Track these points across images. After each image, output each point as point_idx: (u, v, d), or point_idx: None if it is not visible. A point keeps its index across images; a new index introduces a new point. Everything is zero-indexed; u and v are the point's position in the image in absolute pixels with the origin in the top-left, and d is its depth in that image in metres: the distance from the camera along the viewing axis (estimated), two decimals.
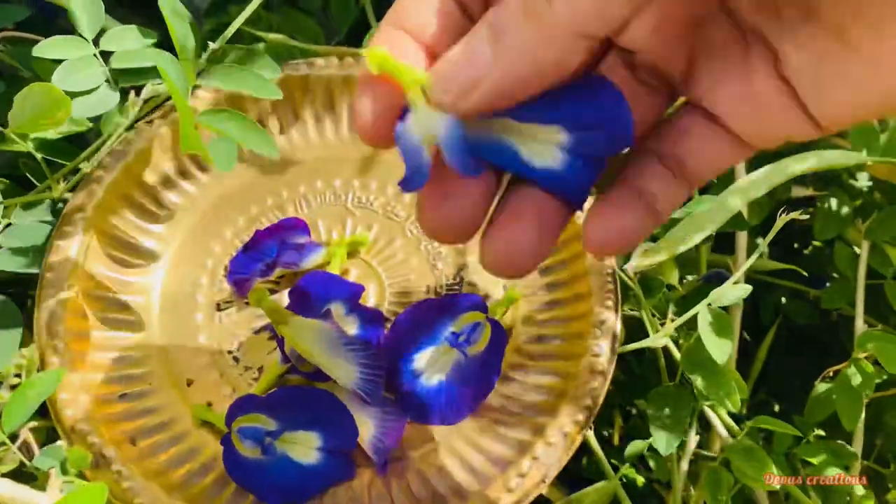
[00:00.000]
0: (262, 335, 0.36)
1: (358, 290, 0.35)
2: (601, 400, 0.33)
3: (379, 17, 0.48)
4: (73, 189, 0.37)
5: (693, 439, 0.40)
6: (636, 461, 0.43)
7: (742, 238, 0.47)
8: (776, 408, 0.63)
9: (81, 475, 0.30)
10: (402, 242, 0.38)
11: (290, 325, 0.33)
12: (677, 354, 0.38)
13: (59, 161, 0.38)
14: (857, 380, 0.43)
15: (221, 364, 0.35)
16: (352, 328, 0.34)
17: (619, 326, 0.35)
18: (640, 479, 0.48)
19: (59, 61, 0.37)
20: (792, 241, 0.63)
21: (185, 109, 0.29)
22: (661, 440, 0.36)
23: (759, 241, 0.54)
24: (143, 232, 0.37)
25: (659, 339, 0.36)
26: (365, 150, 0.41)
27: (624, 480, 0.42)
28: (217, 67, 0.34)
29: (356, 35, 0.49)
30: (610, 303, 0.35)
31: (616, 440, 0.48)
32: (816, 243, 0.62)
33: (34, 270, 0.35)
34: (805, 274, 0.51)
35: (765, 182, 0.38)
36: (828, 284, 0.54)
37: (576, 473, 0.47)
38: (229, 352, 0.35)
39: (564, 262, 0.37)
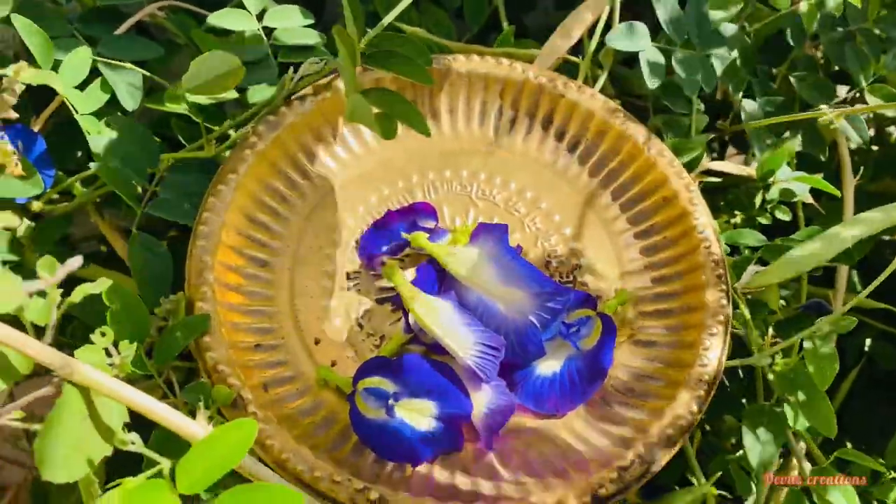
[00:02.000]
0: (384, 305, 0.38)
1: None
2: (705, 408, 0.35)
3: (510, 18, 0.50)
4: (225, 151, 0.41)
5: (777, 462, 0.41)
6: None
7: (843, 272, 0.48)
8: (849, 447, 0.63)
9: (220, 413, 0.33)
10: (520, 237, 0.40)
11: (417, 301, 0.35)
12: (772, 376, 0.39)
13: (208, 125, 0.41)
14: None
15: (347, 328, 0.38)
16: None
17: (728, 342, 0.36)
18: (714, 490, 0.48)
19: (225, 32, 0.41)
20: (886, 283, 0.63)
21: (354, 82, 0.32)
22: (755, 455, 0.37)
23: (856, 277, 0.54)
24: (284, 198, 0.40)
25: (763, 358, 0.37)
26: (491, 146, 0.43)
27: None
28: (378, 52, 0.37)
29: (486, 34, 0.52)
30: (721, 317, 0.36)
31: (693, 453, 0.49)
32: None
33: (187, 222, 0.38)
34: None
35: (884, 219, 0.39)
36: None
37: (651, 483, 0.48)
38: (355, 317, 0.38)
39: (680, 273, 0.39)
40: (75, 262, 0.25)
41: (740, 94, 0.47)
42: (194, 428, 0.30)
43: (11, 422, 0.30)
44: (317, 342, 0.37)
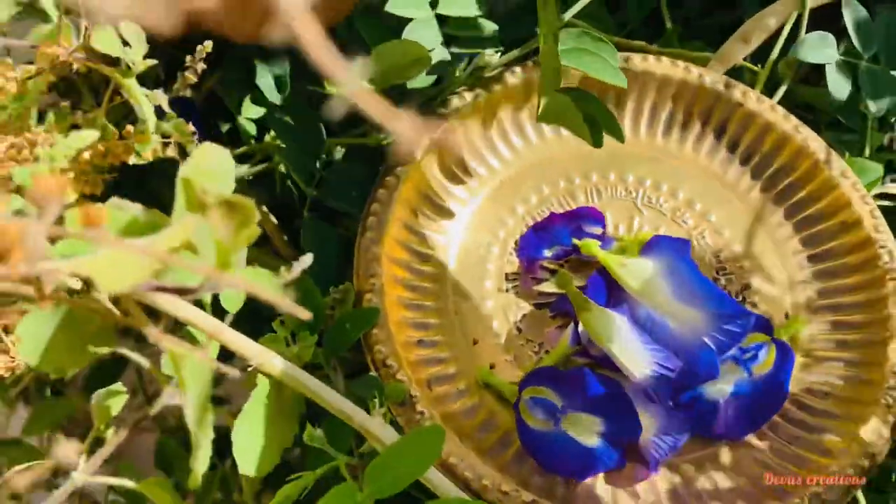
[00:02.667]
0: (543, 311, 0.37)
1: None
2: (887, 450, 0.33)
3: (673, 17, 0.48)
4: (387, 140, 0.40)
5: None
6: None
7: None
8: None
9: (388, 409, 0.33)
10: None
11: (590, 312, 0.34)
12: None
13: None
14: None
15: (505, 331, 0.37)
16: None
17: None
18: None
19: (395, 19, 0.40)
20: None
21: (556, 79, 0.30)
22: None
23: None
24: (448, 193, 0.39)
25: None
26: (659, 152, 0.41)
27: None
28: (575, 50, 0.35)
29: (647, 30, 0.49)
30: None
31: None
32: None
33: (355, 210, 0.38)
34: None
35: None
36: None
37: None
38: (513, 321, 0.37)
39: (860, 304, 0.37)
40: (307, 259, 0.24)
41: None
42: (374, 425, 0.30)
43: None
44: (475, 342, 0.37)
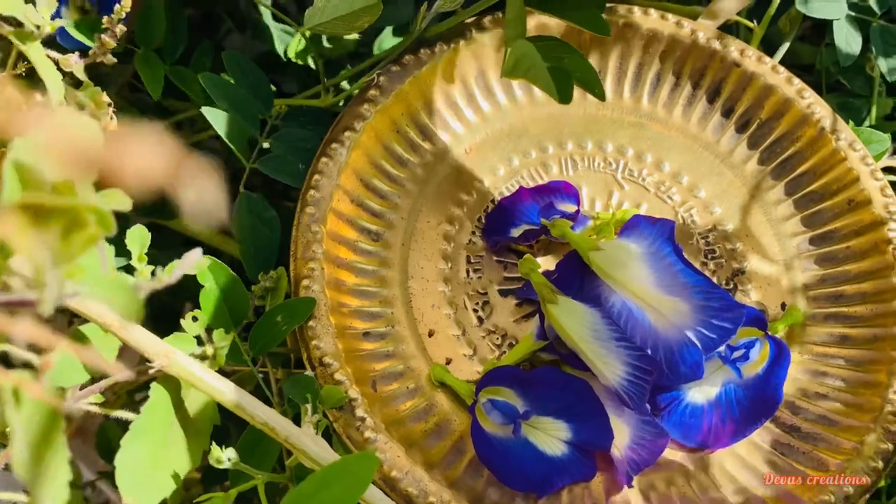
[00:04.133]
0: (508, 298, 0.33)
1: None
2: (892, 464, 0.29)
3: None
4: (343, 102, 0.35)
5: None
6: None
7: None
8: None
9: (324, 413, 0.29)
10: None
11: (557, 305, 0.30)
12: None
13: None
14: None
15: (464, 321, 0.33)
16: None
17: None
18: None
19: None
20: None
21: (522, 25, 0.26)
22: None
23: None
24: (403, 162, 0.35)
25: None
26: (643, 118, 0.36)
27: None
28: None
29: None
30: None
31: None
32: None
33: (298, 185, 0.33)
34: None
35: None
36: None
37: None
38: (474, 310, 0.33)
39: (864, 294, 0.32)
40: (194, 255, 0.20)
41: None
42: (303, 439, 0.26)
43: (90, 406, 0.26)
44: (430, 334, 0.32)
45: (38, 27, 0.28)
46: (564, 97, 0.28)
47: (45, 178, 0.16)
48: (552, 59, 0.28)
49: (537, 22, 0.35)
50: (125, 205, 0.16)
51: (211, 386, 0.25)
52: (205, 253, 0.38)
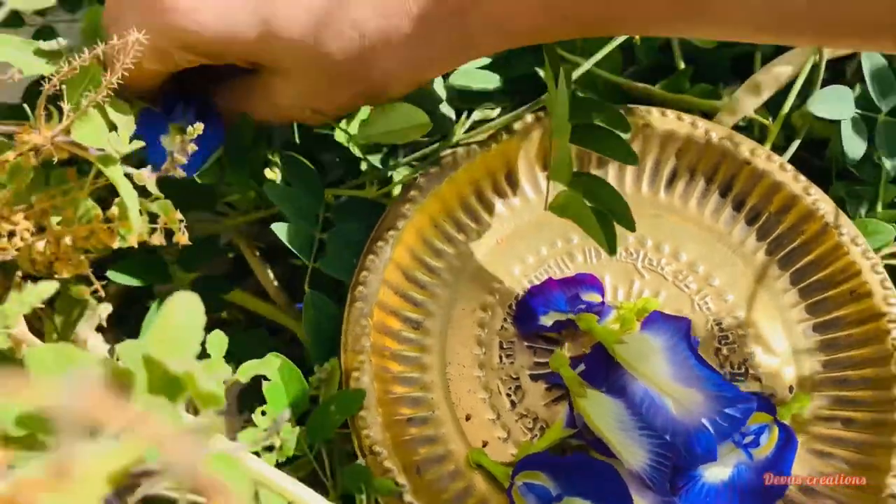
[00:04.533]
0: (539, 383, 0.36)
1: None
2: None
3: (683, 49, 0.46)
4: (386, 195, 0.38)
5: None
6: None
7: None
8: None
9: (376, 501, 0.32)
10: (688, 316, 0.37)
11: (587, 398, 0.33)
12: None
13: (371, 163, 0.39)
14: None
15: (498, 405, 0.36)
16: None
17: None
18: None
19: None
20: None
21: (567, 173, 0.29)
22: None
23: None
24: (440, 254, 0.38)
25: None
26: (661, 210, 0.39)
27: None
28: (585, 127, 0.34)
29: (658, 70, 0.47)
30: None
31: None
32: None
33: (348, 280, 0.36)
34: None
35: None
36: None
37: None
38: (507, 394, 0.36)
39: (866, 380, 0.35)
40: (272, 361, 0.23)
41: None
42: None
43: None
44: (468, 418, 0.35)
45: (117, 151, 0.31)
46: (611, 248, 0.31)
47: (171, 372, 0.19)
48: (596, 198, 0.31)
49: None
50: (228, 374, 0.19)
51: (278, 485, 0.28)
52: (269, 328, 0.42)
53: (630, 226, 0.32)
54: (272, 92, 0.35)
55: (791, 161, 0.39)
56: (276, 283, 0.42)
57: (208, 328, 0.36)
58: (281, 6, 0.31)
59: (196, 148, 0.31)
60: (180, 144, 0.33)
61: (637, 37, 0.45)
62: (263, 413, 0.31)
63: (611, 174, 0.40)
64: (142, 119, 0.35)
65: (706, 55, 0.45)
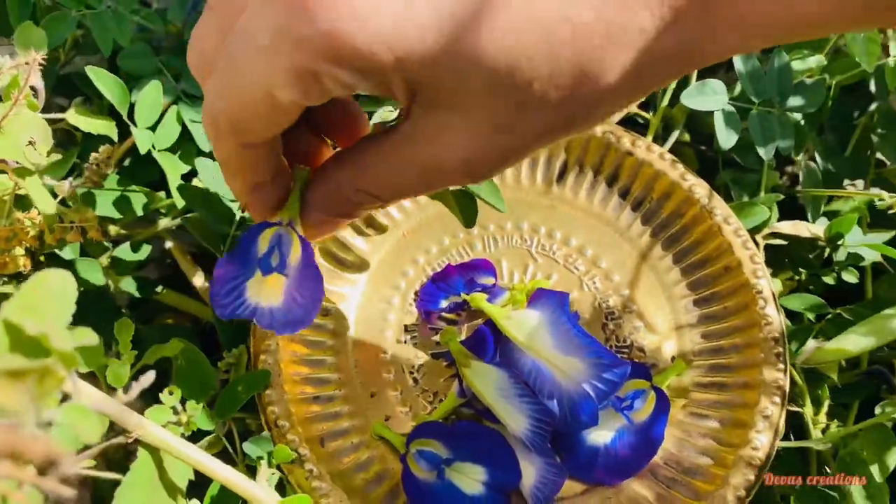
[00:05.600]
0: (440, 361, 0.39)
1: None
2: (754, 492, 0.35)
3: None
4: None
5: None
6: None
7: None
8: None
9: (279, 468, 0.35)
10: (577, 295, 0.41)
11: (471, 368, 0.36)
12: (828, 450, 0.39)
13: None
14: None
15: (402, 383, 0.39)
16: None
17: (781, 424, 0.36)
18: None
19: None
20: None
21: None
22: None
23: None
24: (351, 247, 0.41)
25: (819, 444, 0.37)
26: (554, 200, 0.43)
27: None
28: None
29: None
30: (777, 399, 0.36)
31: None
32: None
33: None
34: None
35: None
36: None
37: None
38: (410, 372, 0.39)
39: (738, 346, 0.38)
40: (148, 378, 0.25)
41: (801, 154, 0.46)
42: (256, 490, 0.31)
43: (86, 471, 0.32)
44: (372, 395, 0.38)
45: (35, 165, 0.35)
46: (469, 222, 0.34)
47: (28, 333, 0.21)
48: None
49: None
50: (93, 340, 0.22)
51: (178, 449, 0.31)
52: (185, 319, 0.45)
53: (499, 205, 0.35)
54: (431, 142, 0.25)
55: (684, 152, 0.43)
56: (207, 283, 0.45)
57: (156, 335, 0.39)
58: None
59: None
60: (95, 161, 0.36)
61: None
62: (171, 393, 0.34)
63: (508, 170, 0.43)
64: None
65: None
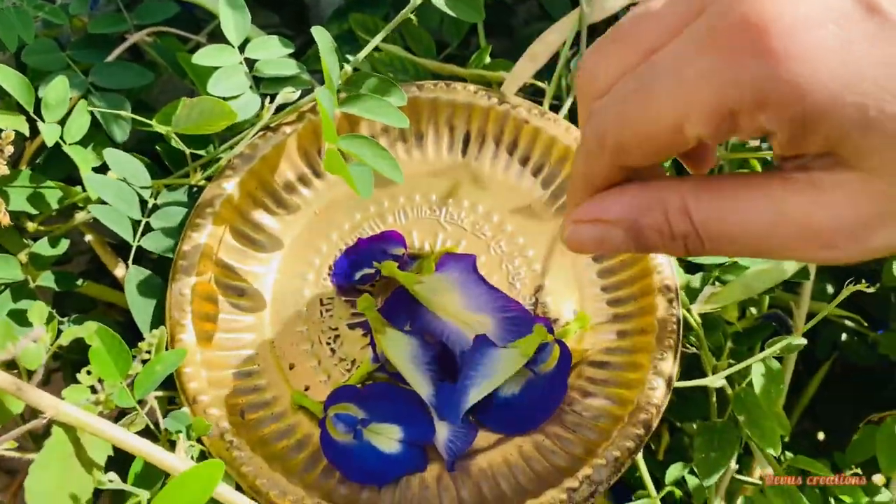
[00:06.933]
0: (356, 331, 0.41)
1: None
2: (652, 431, 0.37)
3: (488, 34, 0.51)
4: (208, 178, 0.43)
5: (734, 467, 0.43)
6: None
7: (807, 287, 0.49)
8: (820, 436, 0.66)
9: (199, 440, 0.36)
10: (485, 259, 0.42)
11: (385, 335, 0.38)
12: (729, 388, 0.41)
13: (193, 152, 0.43)
14: None
15: (319, 353, 0.40)
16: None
17: (676, 365, 0.38)
18: (678, 493, 0.51)
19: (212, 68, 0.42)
20: (859, 278, 0.64)
21: (333, 136, 0.33)
22: (704, 472, 0.39)
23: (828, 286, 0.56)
24: (262, 227, 0.42)
25: (715, 381, 0.39)
26: (460, 171, 0.44)
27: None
28: (355, 97, 0.38)
29: (466, 47, 0.53)
30: (670, 342, 0.38)
31: (661, 455, 0.51)
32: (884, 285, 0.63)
33: (170, 255, 0.40)
34: (865, 323, 0.53)
35: None
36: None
37: (624, 482, 0.51)
38: (327, 343, 0.40)
39: (634, 296, 0.40)
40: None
41: None
42: (173, 461, 0.32)
43: (6, 451, 0.33)
44: (291, 367, 0.40)
45: None
46: (364, 192, 0.36)
47: None
48: (359, 153, 0.36)
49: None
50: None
51: (93, 426, 0.31)
52: (116, 314, 0.45)
53: (397, 176, 0.37)
54: (832, 202, 0.22)
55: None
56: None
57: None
58: None
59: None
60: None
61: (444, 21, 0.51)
62: (89, 373, 0.34)
63: (414, 144, 0.45)
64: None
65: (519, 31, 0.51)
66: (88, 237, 0.47)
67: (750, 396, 0.39)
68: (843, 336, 0.62)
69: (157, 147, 0.45)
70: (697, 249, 0.25)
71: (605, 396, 0.38)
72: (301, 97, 0.43)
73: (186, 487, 0.29)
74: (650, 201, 0.25)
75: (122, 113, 0.44)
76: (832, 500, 0.47)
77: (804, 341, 0.40)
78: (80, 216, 0.45)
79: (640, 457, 0.39)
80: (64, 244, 0.45)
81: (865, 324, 0.52)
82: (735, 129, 0.22)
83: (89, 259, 0.52)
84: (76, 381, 0.35)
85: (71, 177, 0.46)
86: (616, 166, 0.25)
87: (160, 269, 0.41)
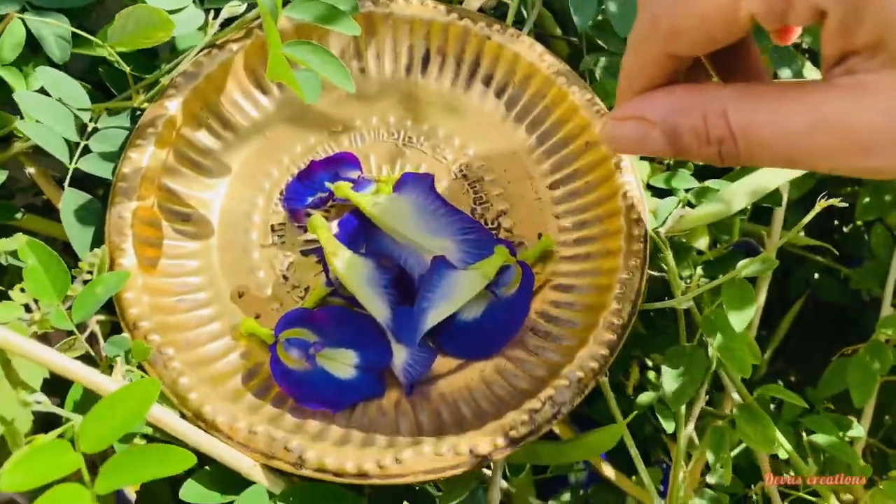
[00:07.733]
0: (309, 257, 0.39)
1: None
2: (617, 351, 0.35)
3: None
4: (151, 100, 0.40)
5: (703, 397, 0.42)
6: (647, 411, 0.45)
7: (779, 213, 0.48)
8: (793, 377, 0.65)
9: (141, 367, 0.34)
10: (447, 183, 0.40)
11: (338, 257, 0.36)
12: (698, 315, 0.40)
13: (136, 74, 0.41)
14: (873, 360, 0.44)
15: (271, 281, 0.38)
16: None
17: (642, 286, 0.37)
18: (647, 428, 0.50)
19: None
20: (832, 217, 0.63)
21: (276, 40, 0.31)
22: (673, 395, 0.38)
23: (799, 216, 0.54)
24: (208, 150, 0.40)
25: (682, 301, 0.38)
26: (419, 93, 0.42)
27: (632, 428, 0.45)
28: (301, 1, 0.36)
29: None
30: (636, 262, 0.37)
31: (630, 390, 0.50)
32: (857, 223, 0.62)
33: (109, 177, 0.38)
34: (837, 253, 0.52)
35: None
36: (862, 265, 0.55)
37: (588, 416, 0.49)
38: (280, 270, 0.38)
39: (600, 217, 0.39)
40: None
41: None
42: (107, 384, 0.30)
43: None
44: (240, 295, 0.37)
45: None
46: (310, 97, 0.33)
47: None
48: (306, 60, 0.33)
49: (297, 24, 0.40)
50: None
51: (19, 347, 0.29)
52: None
53: (346, 84, 0.35)
54: (862, 109, 0.22)
55: (555, 46, 0.43)
56: None
57: None
58: None
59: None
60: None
61: None
62: (23, 290, 0.32)
63: (371, 64, 0.42)
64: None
65: None
66: (30, 170, 0.44)
67: (720, 318, 0.38)
68: (816, 275, 0.61)
69: (100, 69, 0.43)
70: (732, 155, 0.24)
71: (569, 319, 0.37)
72: (247, 11, 0.40)
73: (118, 406, 0.27)
74: (691, 103, 0.25)
75: (61, 25, 0.41)
76: (804, 434, 0.46)
77: (775, 263, 0.39)
78: (18, 145, 0.42)
79: (606, 386, 0.38)
80: (2, 175, 0.42)
81: (837, 252, 0.51)
82: (790, 8, 0.22)
83: (33, 195, 0.49)
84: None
85: (11, 103, 0.43)
86: (666, 56, 0.25)
87: (105, 200, 0.38)
